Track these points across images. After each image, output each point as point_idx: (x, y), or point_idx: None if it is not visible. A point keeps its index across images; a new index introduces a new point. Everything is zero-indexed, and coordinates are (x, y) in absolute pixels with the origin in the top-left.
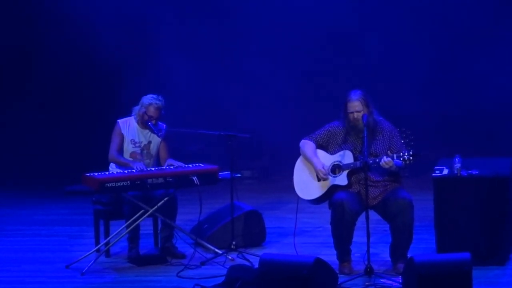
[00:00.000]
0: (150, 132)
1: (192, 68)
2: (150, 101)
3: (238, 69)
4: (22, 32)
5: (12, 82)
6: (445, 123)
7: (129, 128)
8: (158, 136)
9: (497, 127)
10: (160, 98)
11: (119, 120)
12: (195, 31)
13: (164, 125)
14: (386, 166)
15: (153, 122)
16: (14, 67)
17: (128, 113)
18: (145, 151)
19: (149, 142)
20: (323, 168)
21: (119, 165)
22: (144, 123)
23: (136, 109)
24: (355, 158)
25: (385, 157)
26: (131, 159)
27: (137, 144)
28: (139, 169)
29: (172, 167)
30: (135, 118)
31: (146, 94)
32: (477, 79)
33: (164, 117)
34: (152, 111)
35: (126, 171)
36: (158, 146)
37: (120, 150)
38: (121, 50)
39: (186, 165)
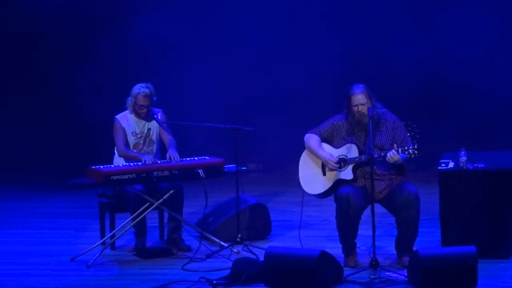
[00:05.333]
0: (146, 121)
1: (196, 62)
2: (137, 91)
3: (243, 62)
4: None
5: (14, 73)
6: (450, 116)
7: (127, 122)
8: (162, 126)
9: (503, 121)
10: (148, 85)
11: (116, 116)
12: (197, 26)
13: (160, 111)
14: (392, 161)
15: (145, 110)
16: (13, 58)
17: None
18: (147, 140)
19: (149, 130)
20: (332, 157)
21: (128, 159)
22: (142, 116)
23: (128, 100)
24: (360, 152)
25: (390, 151)
26: (135, 151)
27: (139, 135)
28: (149, 161)
29: (172, 159)
30: (129, 111)
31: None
32: (480, 74)
33: (159, 104)
34: (141, 99)
35: (131, 164)
36: (158, 130)
37: (127, 144)
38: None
39: (182, 159)
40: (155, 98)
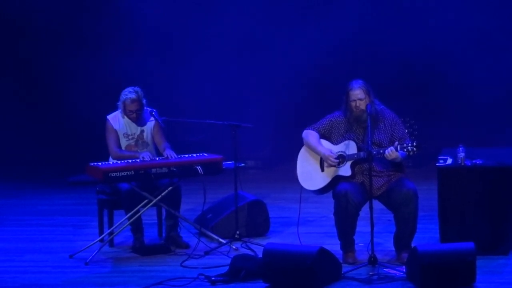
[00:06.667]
0: (138, 125)
1: (194, 59)
2: (125, 97)
3: (242, 60)
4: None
5: (13, 70)
6: (448, 112)
7: (119, 123)
8: (161, 124)
9: (502, 117)
10: (136, 89)
11: (108, 117)
12: (194, 23)
13: (154, 110)
14: (390, 158)
15: (135, 115)
16: (12, 54)
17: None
18: (139, 141)
19: (142, 132)
20: (331, 153)
21: (123, 159)
22: (133, 121)
23: (118, 104)
24: (359, 149)
25: (389, 149)
26: (134, 150)
27: (130, 137)
28: (147, 158)
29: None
30: (121, 112)
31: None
32: (480, 69)
33: (157, 102)
34: (129, 105)
35: (130, 161)
36: (152, 132)
37: (120, 146)
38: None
39: (181, 156)
40: (144, 101)
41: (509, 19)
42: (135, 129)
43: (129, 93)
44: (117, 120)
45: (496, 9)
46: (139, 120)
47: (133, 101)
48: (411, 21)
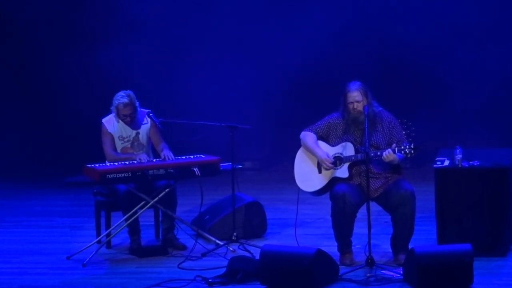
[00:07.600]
0: (132, 128)
1: (194, 60)
2: (117, 102)
3: (239, 61)
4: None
5: (10, 68)
6: (447, 112)
7: (114, 126)
8: (158, 125)
9: (500, 117)
10: (128, 92)
11: (103, 120)
12: (191, 23)
13: (151, 112)
14: (387, 160)
15: (129, 119)
16: (11, 58)
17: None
18: (135, 143)
19: (137, 134)
20: (328, 157)
21: (120, 162)
22: (128, 124)
23: (112, 109)
24: (356, 151)
25: (386, 151)
26: (130, 152)
27: (126, 139)
28: (144, 160)
29: (166, 159)
30: (115, 118)
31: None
32: (478, 69)
33: (154, 102)
34: (122, 110)
35: (127, 162)
36: (148, 134)
37: (115, 149)
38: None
39: (178, 157)
40: (137, 103)
41: (509, 18)
42: (130, 131)
43: (121, 98)
44: (111, 123)
45: (496, 9)
46: (134, 124)
47: (126, 105)
48: (409, 20)
